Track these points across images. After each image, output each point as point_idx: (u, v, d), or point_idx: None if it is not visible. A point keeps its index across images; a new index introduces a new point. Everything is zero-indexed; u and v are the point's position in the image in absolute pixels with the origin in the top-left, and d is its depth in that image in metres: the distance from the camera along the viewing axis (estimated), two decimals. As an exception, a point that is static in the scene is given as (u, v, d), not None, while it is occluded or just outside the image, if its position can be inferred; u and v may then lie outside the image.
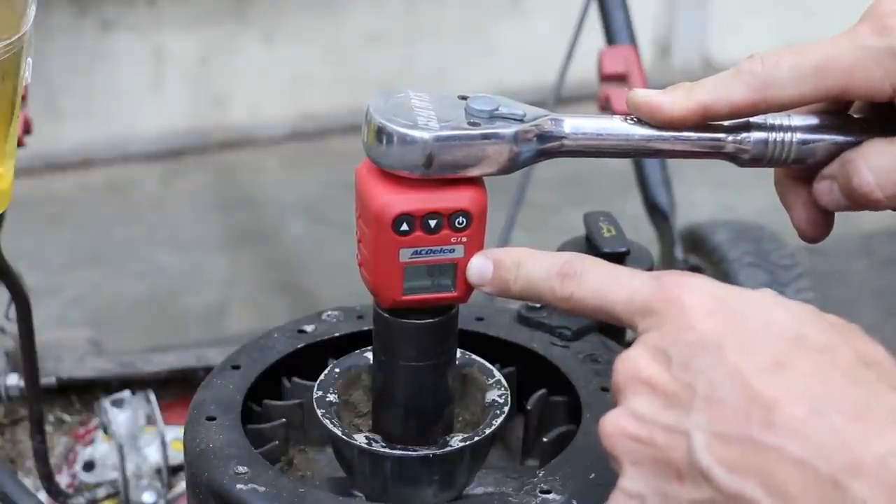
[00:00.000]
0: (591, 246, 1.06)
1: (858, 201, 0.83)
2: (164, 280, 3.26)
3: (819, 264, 3.16)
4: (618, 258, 1.04)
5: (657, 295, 0.75)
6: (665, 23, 4.23)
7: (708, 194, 3.58)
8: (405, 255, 0.83)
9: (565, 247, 1.08)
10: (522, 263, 0.82)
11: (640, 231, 1.45)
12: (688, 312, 0.73)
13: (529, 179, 2.16)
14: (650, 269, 1.06)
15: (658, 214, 1.93)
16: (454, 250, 0.84)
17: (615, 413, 0.74)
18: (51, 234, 3.43)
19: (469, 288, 0.86)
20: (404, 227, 0.82)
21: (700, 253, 1.99)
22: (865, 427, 0.66)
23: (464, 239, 0.84)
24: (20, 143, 1.15)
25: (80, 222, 3.53)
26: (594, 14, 2.04)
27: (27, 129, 1.55)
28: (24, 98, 1.06)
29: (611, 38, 1.97)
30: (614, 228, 1.07)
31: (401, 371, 0.90)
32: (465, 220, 0.83)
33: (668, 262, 1.93)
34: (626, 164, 2.04)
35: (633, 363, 0.74)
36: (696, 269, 1.97)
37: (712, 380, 0.70)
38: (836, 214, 0.87)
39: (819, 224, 0.88)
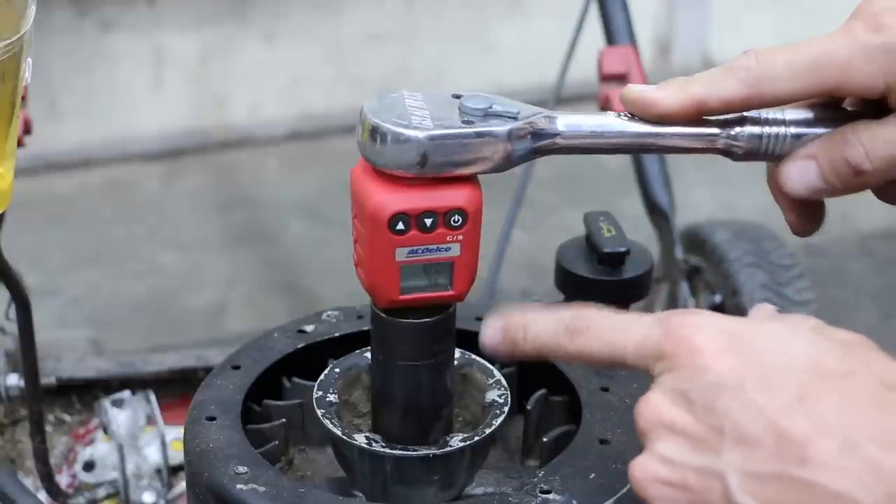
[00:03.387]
0: (591, 246, 1.06)
1: (842, 176, 0.83)
2: (164, 280, 3.26)
3: (818, 264, 3.16)
4: (618, 258, 1.04)
5: (667, 338, 0.75)
6: (665, 22, 4.23)
7: (707, 194, 3.58)
8: (401, 254, 0.83)
9: (565, 247, 1.08)
10: (528, 324, 0.83)
11: (640, 231, 1.45)
12: (701, 353, 0.73)
13: (529, 179, 2.16)
14: (650, 268, 1.06)
15: (658, 214, 1.93)
16: (450, 248, 0.84)
17: (643, 458, 0.75)
18: (51, 234, 3.43)
19: (466, 287, 0.86)
20: (400, 226, 0.82)
21: (700, 253, 1.99)
22: None
23: (460, 237, 0.84)
24: (20, 143, 1.15)
25: (80, 222, 3.53)
26: (594, 14, 2.04)
27: (27, 129, 1.55)
28: (24, 98, 1.05)
29: (611, 38, 1.97)
30: (614, 228, 1.07)
31: (398, 371, 0.90)
32: (460, 219, 0.83)
33: (669, 262, 1.93)
34: (625, 164, 2.04)
35: (654, 408, 0.74)
36: (696, 269, 1.97)
37: (739, 420, 0.70)
38: (836, 215, 0.87)
39: (810, 217, 0.88)
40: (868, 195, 0.90)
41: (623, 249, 1.04)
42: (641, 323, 0.77)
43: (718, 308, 1.90)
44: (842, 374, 0.70)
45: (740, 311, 1.84)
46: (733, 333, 0.74)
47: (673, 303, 1.91)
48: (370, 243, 0.83)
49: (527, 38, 4.03)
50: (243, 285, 3.25)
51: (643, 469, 0.74)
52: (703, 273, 1.97)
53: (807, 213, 0.87)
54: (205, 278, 3.27)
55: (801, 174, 0.84)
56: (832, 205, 0.88)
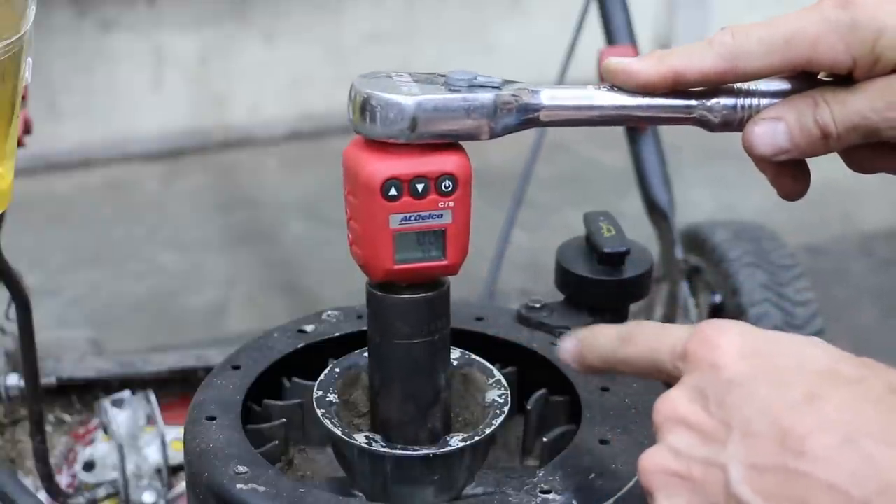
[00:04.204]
0: (591, 246, 1.06)
1: (809, 137, 0.84)
2: (164, 280, 3.26)
3: (819, 264, 3.16)
4: (618, 258, 1.04)
5: (693, 339, 0.77)
6: (665, 22, 4.23)
7: (708, 194, 3.58)
8: (395, 221, 0.85)
9: (565, 247, 1.08)
10: (593, 336, 0.85)
11: (640, 231, 1.45)
12: (722, 353, 0.75)
13: (529, 179, 2.16)
14: (650, 268, 1.06)
15: (658, 214, 1.93)
16: (442, 215, 0.86)
17: (653, 450, 0.76)
18: (51, 234, 3.43)
19: (459, 257, 0.88)
20: (393, 191, 0.84)
21: (700, 253, 1.99)
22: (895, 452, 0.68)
23: (451, 203, 0.85)
24: (20, 143, 1.15)
25: (80, 222, 3.53)
26: (594, 14, 2.04)
27: (27, 129, 1.54)
28: (24, 98, 1.05)
29: (611, 38, 1.98)
30: (614, 228, 1.07)
31: (395, 350, 0.90)
32: (451, 184, 0.85)
33: (669, 262, 1.93)
34: (625, 164, 2.04)
35: (671, 403, 0.76)
36: (696, 269, 1.98)
37: (747, 415, 0.72)
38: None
39: (795, 179, 0.89)
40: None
41: (623, 249, 1.04)
42: (679, 329, 0.79)
43: (718, 308, 1.90)
44: (854, 378, 0.72)
45: (740, 310, 1.85)
46: (755, 338, 0.75)
47: (673, 303, 1.91)
48: (364, 212, 0.85)
49: (527, 38, 4.03)
50: (243, 285, 3.25)
51: (652, 460, 0.75)
52: (703, 273, 1.97)
53: (790, 174, 0.89)
54: (205, 278, 3.27)
55: (768, 134, 0.86)
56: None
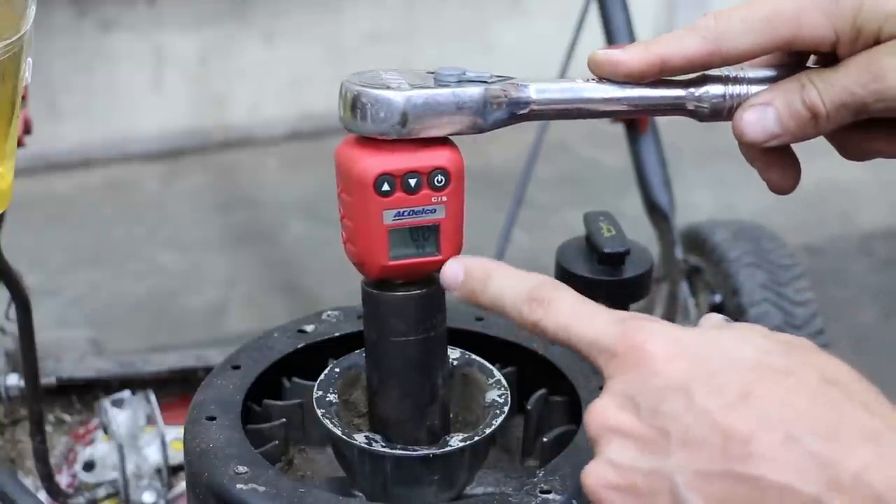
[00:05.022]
0: (591, 246, 1.06)
1: (799, 119, 0.84)
2: (164, 280, 3.26)
3: (818, 264, 3.16)
4: (618, 258, 1.04)
5: (621, 340, 0.75)
6: (665, 22, 4.23)
7: (708, 194, 3.58)
8: (388, 216, 0.85)
9: (565, 247, 1.08)
10: (492, 278, 0.83)
11: (640, 231, 1.45)
12: (652, 359, 0.74)
13: (529, 179, 2.17)
14: (650, 268, 1.06)
15: (658, 214, 1.93)
16: (435, 210, 0.86)
17: (593, 464, 0.75)
18: (51, 234, 3.43)
19: (453, 253, 0.88)
20: (386, 187, 0.84)
21: (700, 253, 1.99)
22: (838, 446, 0.68)
23: (444, 198, 0.86)
24: (20, 143, 1.15)
25: (80, 222, 3.53)
26: (594, 14, 2.05)
27: (27, 129, 1.55)
28: (24, 98, 1.05)
29: (611, 38, 1.98)
30: (614, 228, 1.07)
31: (391, 348, 0.90)
32: (443, 179, 0.85)
33: (669, 262, 1.93)
34: (625, 164, 2.05)
35: (601, 413, 0.75)
36: (696, 269, 1.98)
37: (684, 422, 0.71)
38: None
39: (784, 171, 0.89)
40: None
41: (623, 249, 1.04)
42: (601, 318, 0.78)
43: (718, 308, 1.90)
44: (784, 371, 0.71)
45: (740, 310, 1.85)
46: (683, 341, 0.75)
47: (673, 303, 1.91)
48: (358, 209, 0.85)
49: (527, 38, 4.03)
50: (243, 285, 3.25)
51: (594, 475, 0.75)
52: (703, 273, 1.97)
53: (779, 165, 0.88)
54: (205, 278, 3.27)
55: (757, 120, 0.85)
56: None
